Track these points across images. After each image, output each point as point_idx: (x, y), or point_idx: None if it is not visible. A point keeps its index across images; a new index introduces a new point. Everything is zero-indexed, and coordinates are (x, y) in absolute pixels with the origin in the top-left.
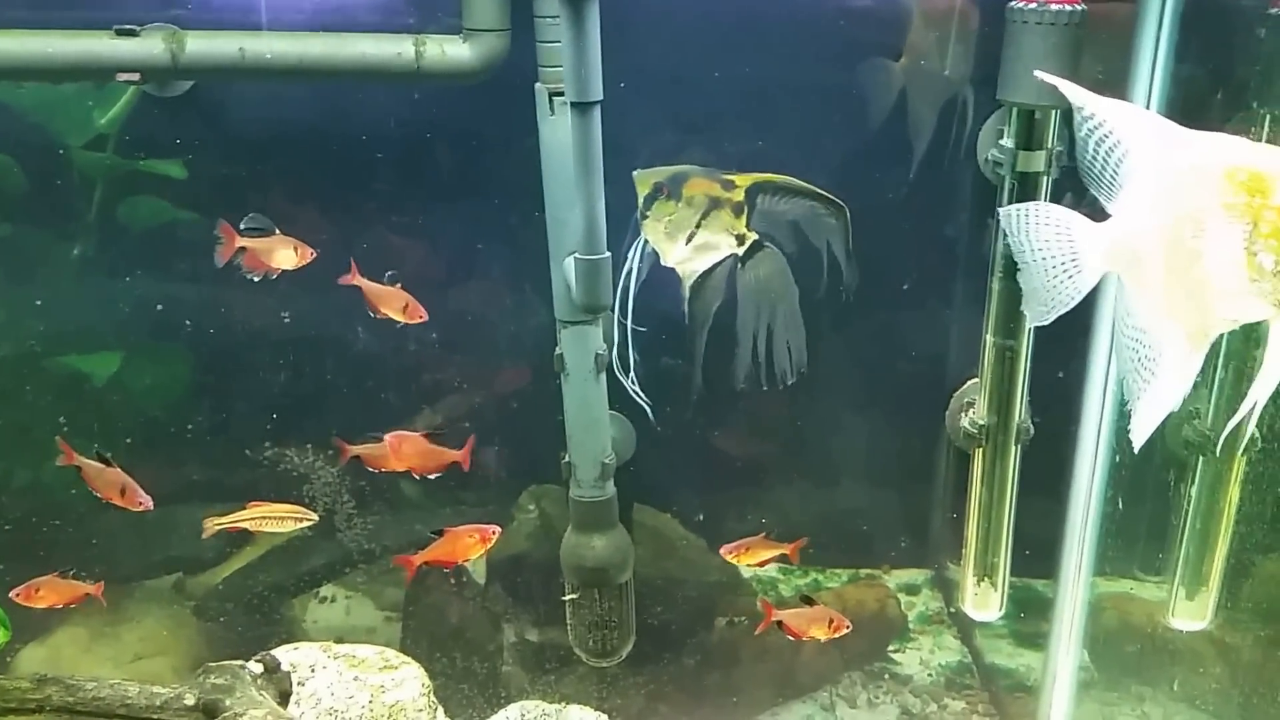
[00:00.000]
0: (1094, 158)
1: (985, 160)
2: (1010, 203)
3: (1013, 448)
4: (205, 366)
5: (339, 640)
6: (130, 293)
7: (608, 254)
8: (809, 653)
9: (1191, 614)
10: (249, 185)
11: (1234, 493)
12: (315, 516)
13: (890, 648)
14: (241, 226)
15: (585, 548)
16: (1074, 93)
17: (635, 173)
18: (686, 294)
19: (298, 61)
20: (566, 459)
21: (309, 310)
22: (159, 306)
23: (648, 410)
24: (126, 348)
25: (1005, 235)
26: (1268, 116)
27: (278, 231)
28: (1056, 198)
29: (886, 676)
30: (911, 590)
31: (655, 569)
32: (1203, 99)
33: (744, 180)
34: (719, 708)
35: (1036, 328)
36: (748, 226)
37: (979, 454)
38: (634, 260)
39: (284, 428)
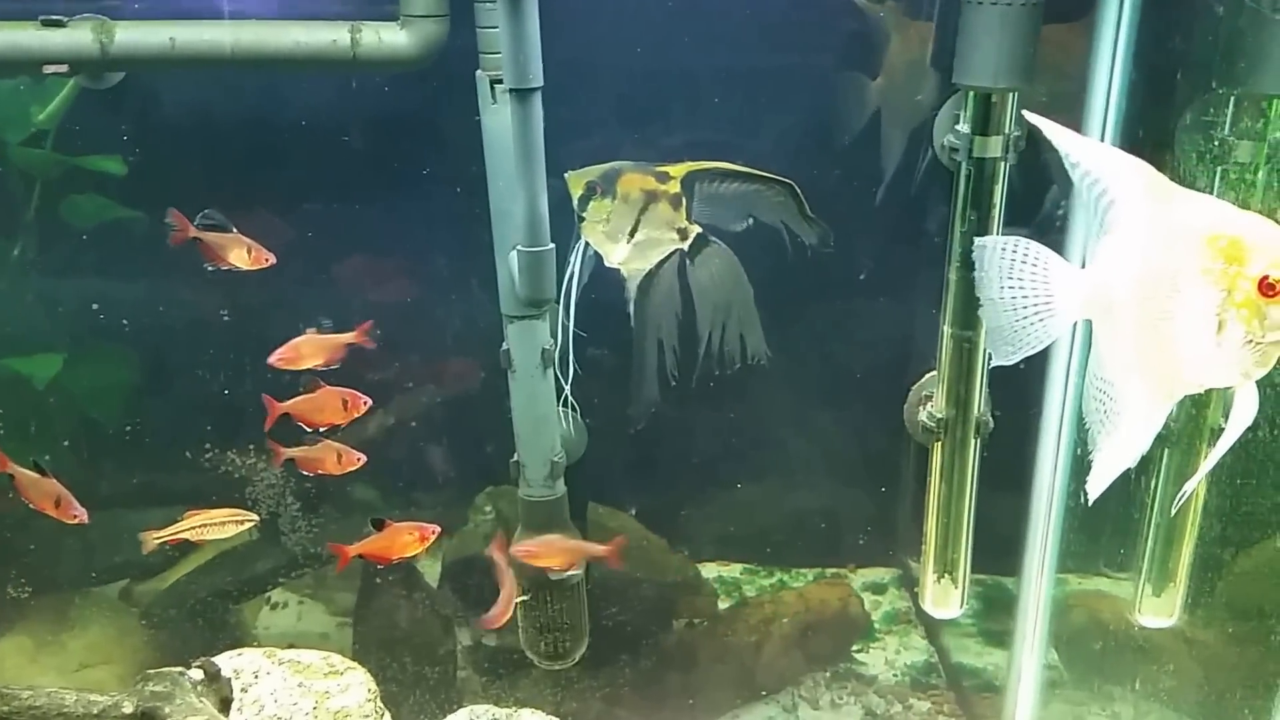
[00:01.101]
0: (1087, 200)
1: (942, 146)
2: (967, 190)
3: (972, 441)
4: (148, 368)
5: (290, 646)
6: (73, 293)
7: (551, 246)
8: (771, 653)
9: (1159, 611)
10: (190, 180)
11: (1199, 487)
12: (255, 518)
13: (855, 648)
14: (197, 222)
15: None
16: (1062, 139)
17: (567, 175)
18: (632, 295)
19: (230, 51)
20: (515, 458)
21: (250, 308)
22: (95, 307)
23: (577, 411)
24: (68, 349)
25: (973, 267)
26: (1230, 98)
27: (235, 230)
28: (1013, 184)
29: (851, 677)
30: (878, 589)
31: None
32: (1164, 81)
33: (678, 170)
34: (677, 710)
35: None
36: (688, 218)
37: (937, 448)
38: (575, 264)
39: (226, 430)
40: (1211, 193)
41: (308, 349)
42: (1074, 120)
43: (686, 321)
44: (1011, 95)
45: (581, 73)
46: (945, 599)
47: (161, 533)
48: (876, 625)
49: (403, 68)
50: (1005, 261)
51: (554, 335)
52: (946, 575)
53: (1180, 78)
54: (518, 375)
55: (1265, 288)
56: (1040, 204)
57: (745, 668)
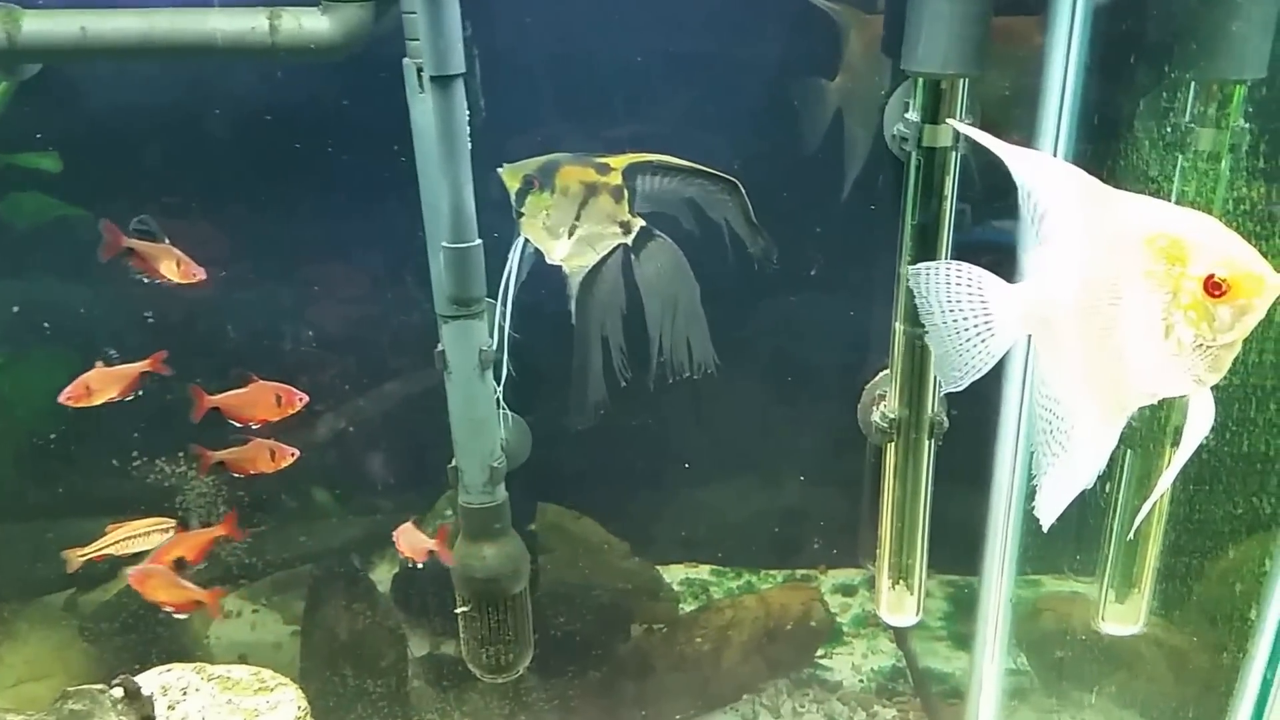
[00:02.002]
0: (1027, 212)
1: (892, 136)
2: (917, 180)
3: (926, 442)
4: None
5: (241, 658)
6: (7, 295)
7: (478, 241)
8: (731, 660)
9: (1123, 618)
10: (122, 177)
11: (1163, 503)
12: (174, 523)
13: (820, 653)
14: (130, 227)
15: (475, 558)
16: (994, 146)
17: (501, 169)
18: (574, 292)
19: (143, 40)
20: (453, 463)
21: (182, 310)
22: (15, 309)
23: (509, 418)
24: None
25: (912, 293)
26: (1190, 84)
27: (167, 241)
28: (965, 175)
29: (814, 684)
30: (847, 591)
31: (573, 574)
32: (1121, 67)
33: (619, 162)
34: None
35: None
36: (631, 211)
37: (891, 449)
38: (514, 261)
39: (160, 436)
40: (1173, 183)
41: (97, 382)
42: (1031, 112)
43: (632, 319)
44: (961, 83)
45: (523, 62)
46: (900, 606)
47: (85, 550)
48: (845, 628)
49: (326, 56)
50: (941, 286)
51: (492, 336)
52: (902, 581)
53: (1138, 64)
54: (454, 377)
55: (1211, 287)
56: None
57: (704, 676)
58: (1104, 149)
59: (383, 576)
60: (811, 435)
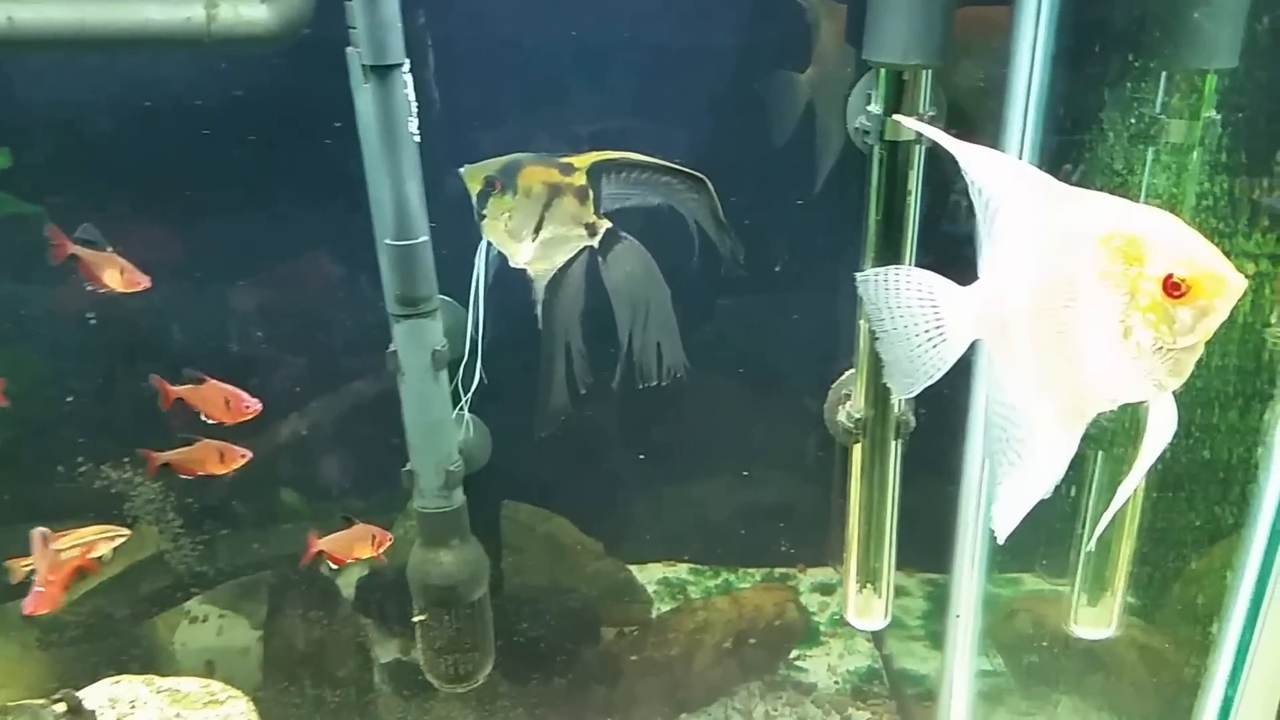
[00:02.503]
0: (980, 211)
1: (855, 128)
2: (881, 175)
3: (892, 443)
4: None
5: (209, 664)
6: None
7: (424, 238)
8: (703, 664)
9: (1095, 621)
10: (68, 174)
11: (1135, 504)
12: (127, 532)
13: (795, 654)
14: (74, 235)
15: (432, 564)
16: (946, 143)
17: (462, 169)
18: (539, 297)
19: (74, 30)
20: (408, 467)
21: (125, 312)
22: None
23: (471, 427)
24: None
25: (862, 302)
26: (1160, 74)
27: (110, 249)
28: (930, 169)
29: (788, 686)
30: (826, 590)
31: (543, 577)
32: (1089, 56)
33: (582, 161)
34: None
35: None
36: (597, 212)
37: (857, 450)
38: (480, 266)
39: (106, 441)
40: (1143, 175)
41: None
42: (998, 104)
43: (601, 324)
44: (925, 73)
45: (480, 51)
46: (868, 610)
47: (28, 561)
48: (822, 628)
49: (266, 45)
50: (889, 291)
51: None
52: (869, 585)
53: (1106, 53)
54: (407, 379)
55: (1170, 287)
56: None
57: (676, 680)
58: (1072, 141)
59: (349, 581)
60: (790, 432)
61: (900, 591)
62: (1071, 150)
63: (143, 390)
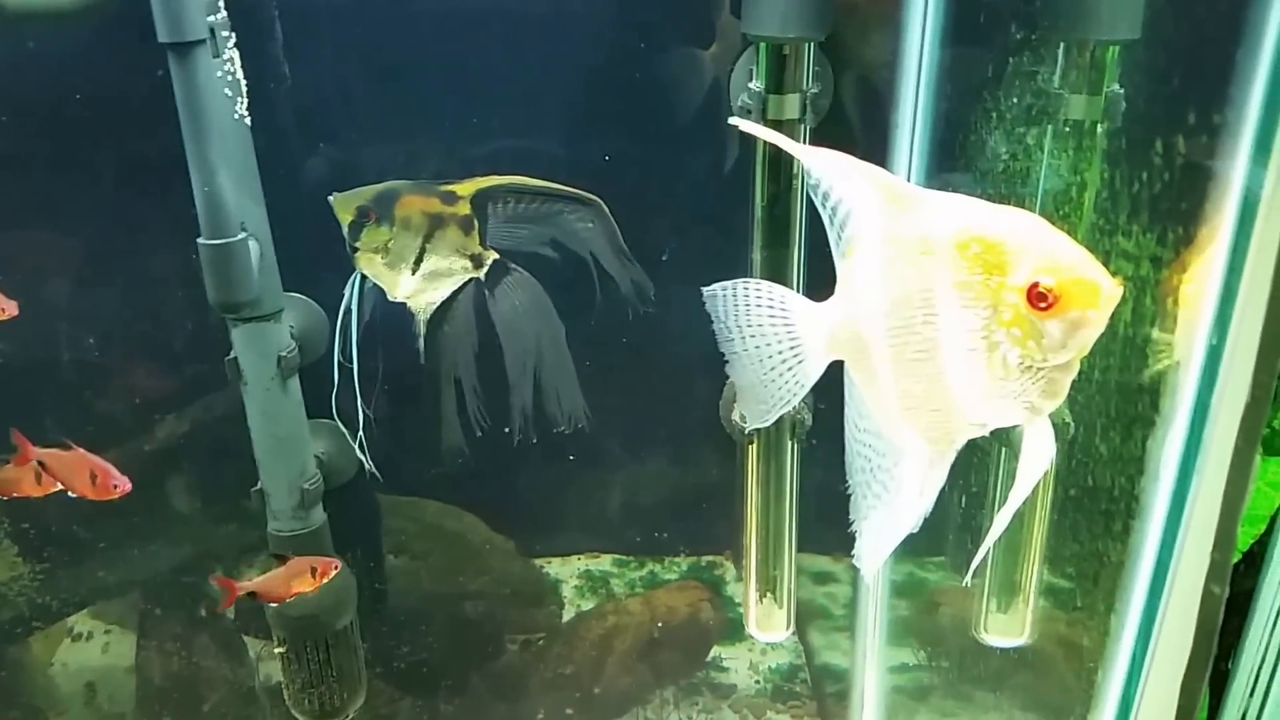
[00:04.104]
0: (830, 220)
1: (738, 107)
2: (764, 156)
3: (788, 443)
4: None
5: (89, 686)
6: None
7: (240, 236)
8: (613, 672)
9: (1006, 629)
10: None
11: (1045, 495)
12: None
13: (714, 654)
14: None
15: None
16: (786, 145)
17: (332, 197)
18: (422, 330)
19: None
20: (258, 486)
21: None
22: None
23: (376, 475)
24: None
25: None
26: (1061, 45)
27: None
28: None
29: (705, 690)
30: None
31: (447, 584)
32: (983, 27)
33: (466, 188)
34: None
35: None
36: (483, 243)
37: (751, 452)
38: (350, 298)
39: None
40: (1043, 154)
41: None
42: (889, 78)
43: (490, 361)
44: (807, 47)
45: (337, 22)
46: (770, 621)
47: None
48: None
49: (58, 21)
50: (739, 308)
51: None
52: (769, 594)
53: (1003, 24)
54: (250, 389)
55: (1035, 298)
56: None
57: (584, 690)
58: (968, 117)
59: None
60: (713, 416)
61: (827, 578)
62: (970, 127)
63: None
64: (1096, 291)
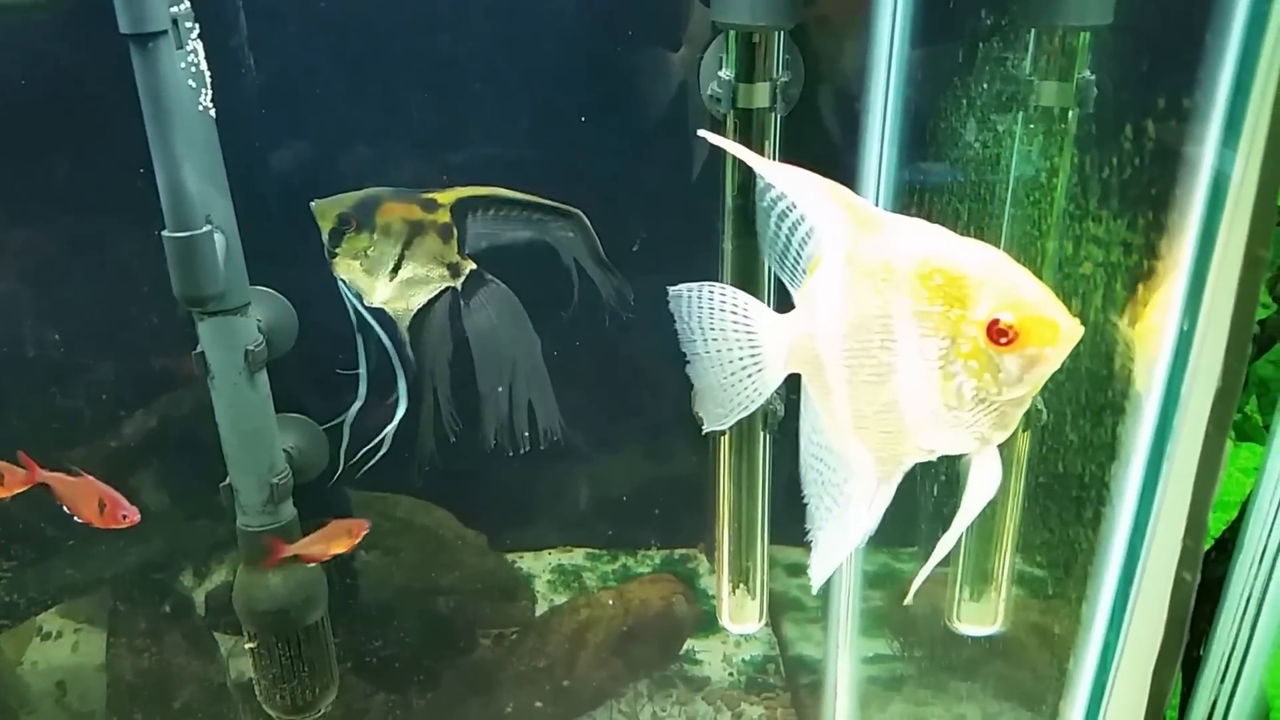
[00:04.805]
0: (776, 234)
1: (709, 96)
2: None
3: (760, 434)
4: None
5: (59, 685)
6: None
7: (205, 229)
8: (586, 665)
9: (978, 618)
10: None
11: (1017, 483)
12: None
13: (688, 646)
14: None
15: (259, 588)
16: (748, 159)
17: (313, 204)
18: (406, 337)
19: None
20: (227, 481)
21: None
22: None
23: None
24: None
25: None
26: (1032, 31)
27: None
28: (790, 136)
29: (678, 682)
30: None
31: (419, 579)
32: (956, 13)
33: (447, 197)
34: None
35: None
36: (461, 252)
37: (723, 444)
38: (350, 297)
39: None
40: (1014, 141)
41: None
42: (859, 66)
43: (464, 366)
44: (777, 35)
45: (320, 59)
46: (742, 613)
47: None
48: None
49: (31, 14)
50: (703, 311)
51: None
52: (742, 585)
53: (973, 9)
54: (218, 383)
55: (995, 334)
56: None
57: (558, 685)
58: (939, 104)
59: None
60: (684, 410)
61: (799, 570)
62: (940, 114)
63: None
64: (1056, 330)
